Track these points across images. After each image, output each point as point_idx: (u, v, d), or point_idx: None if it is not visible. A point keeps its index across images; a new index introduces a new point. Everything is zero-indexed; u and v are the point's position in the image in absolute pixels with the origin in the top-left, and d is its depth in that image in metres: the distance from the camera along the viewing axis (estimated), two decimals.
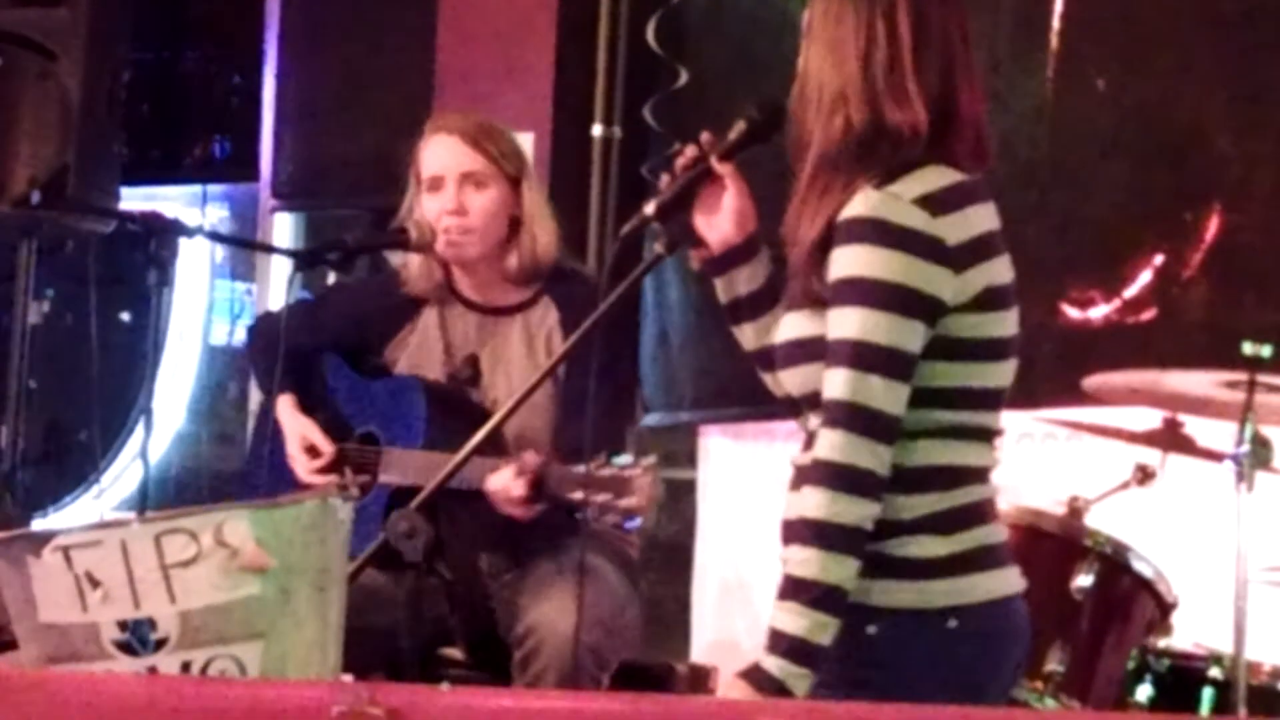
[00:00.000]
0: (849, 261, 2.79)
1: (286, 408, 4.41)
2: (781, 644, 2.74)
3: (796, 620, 2.74)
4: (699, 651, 5.76)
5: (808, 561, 2.75)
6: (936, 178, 2.82)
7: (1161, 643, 4.15)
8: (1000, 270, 2.87)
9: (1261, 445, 3.96)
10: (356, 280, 4.67)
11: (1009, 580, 2.89)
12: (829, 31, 2.87)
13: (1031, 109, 5.07)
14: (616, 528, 4.05)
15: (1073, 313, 5.00)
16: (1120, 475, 4.41)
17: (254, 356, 4.64)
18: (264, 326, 4.63)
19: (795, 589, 2.75)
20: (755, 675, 2.75)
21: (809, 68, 2.90)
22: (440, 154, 4.27)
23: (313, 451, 4.34)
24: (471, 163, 4.25)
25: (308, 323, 4.48)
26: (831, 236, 2.81)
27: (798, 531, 2.78)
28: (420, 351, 4.34)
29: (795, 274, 2.90)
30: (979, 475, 2.88)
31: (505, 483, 3.90)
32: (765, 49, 5.52)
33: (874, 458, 2.76)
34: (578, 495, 3.74)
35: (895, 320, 2.76)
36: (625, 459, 3.68)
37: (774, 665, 2.74)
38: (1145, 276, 4.91)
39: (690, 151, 3.01)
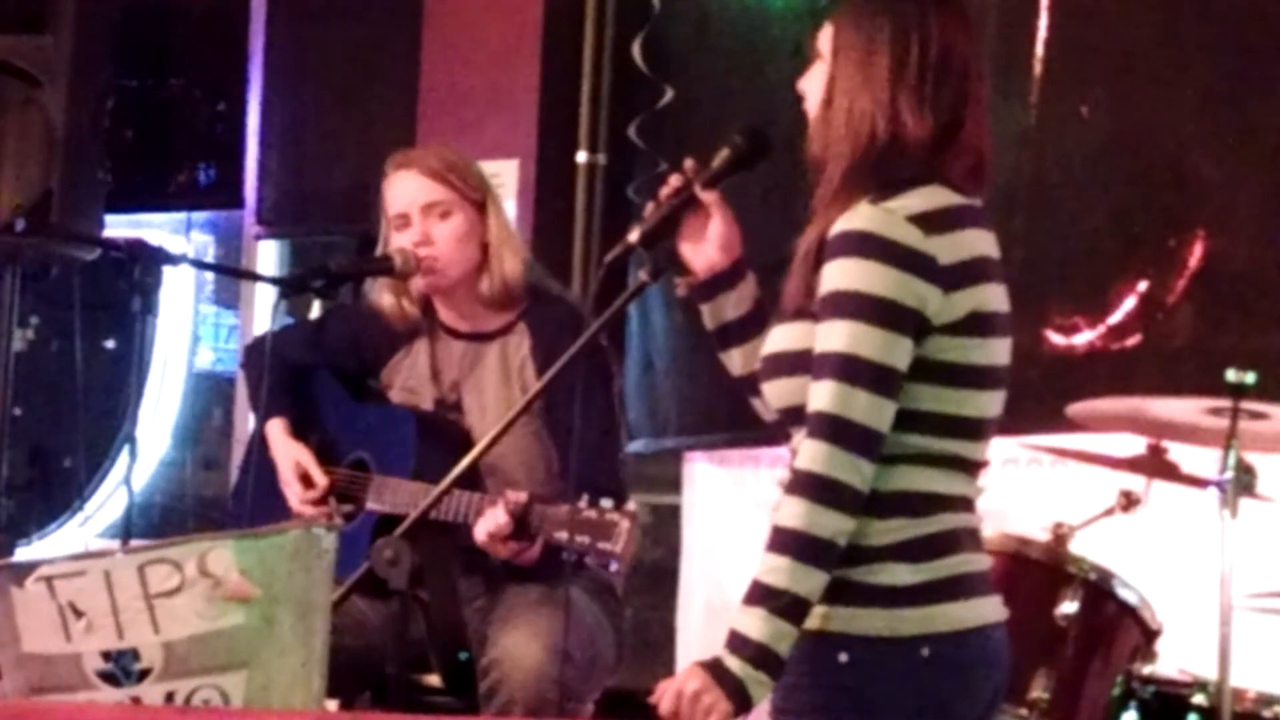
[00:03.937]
0: (839, 275, 2.79)
1: (279, 432, 4.39)
2: (746, 648, 2.76)
3: (761, 626, 2.75)
4: None
5: (778, 570, 2.75)
6: (935, 197, 2.83)
7: (1146, 669, 4.14)
8: (991, 297, 2.86)
9: (1245, 472, 3.95)
10: (357, 303, 4.67)
11: (985, 609, 2.88)
12: (860, 48, 2.88)
13: (1015, 135, 5.07)
14: (603, 567, 4.04)
15: (1057, 339, 5.00)
16: (1104, 502, 4.40)
17: (250, 376, 4.60)
18: (261, 346, 4.60)
19: (763, 595, 2.76)
20: (717, 669, 2.77)
21: (837, 84, 2.90)
22: (403, 191, 4.26)
23: (306, 480, 4.32)
24: (433, 193, 4.23)
25: (308, 342, 4.48)
26: (824, 249, 2.82)
27: (772, 538, 2.78)
28: (413, 376, 4.33)
29: (789, 284, 2.90)
30: (954, 504, 2.86)
31: (497, 522, 3.88)
32: (751, 66, 5.52)
33: (855, 472, 2.76)
34: (562, 535, 3.74)
35: (883, 335, 2.76)
36: (608, 502, 3.69)
37: (736, 665, 2.76)
38: (1129, 303, 4.91)
39: (675, 180, 3.02)
